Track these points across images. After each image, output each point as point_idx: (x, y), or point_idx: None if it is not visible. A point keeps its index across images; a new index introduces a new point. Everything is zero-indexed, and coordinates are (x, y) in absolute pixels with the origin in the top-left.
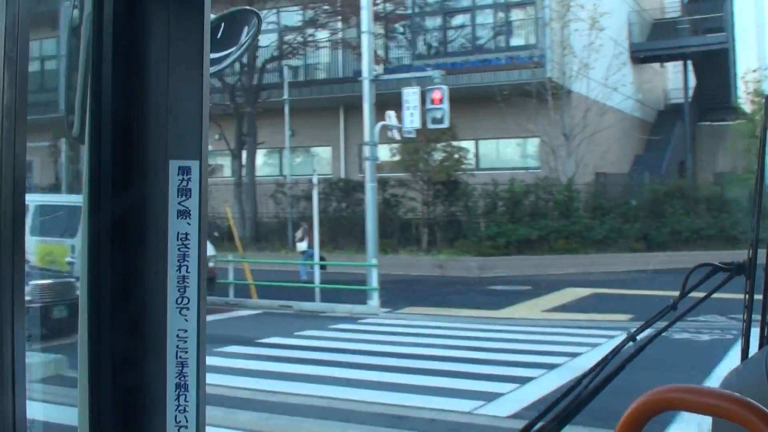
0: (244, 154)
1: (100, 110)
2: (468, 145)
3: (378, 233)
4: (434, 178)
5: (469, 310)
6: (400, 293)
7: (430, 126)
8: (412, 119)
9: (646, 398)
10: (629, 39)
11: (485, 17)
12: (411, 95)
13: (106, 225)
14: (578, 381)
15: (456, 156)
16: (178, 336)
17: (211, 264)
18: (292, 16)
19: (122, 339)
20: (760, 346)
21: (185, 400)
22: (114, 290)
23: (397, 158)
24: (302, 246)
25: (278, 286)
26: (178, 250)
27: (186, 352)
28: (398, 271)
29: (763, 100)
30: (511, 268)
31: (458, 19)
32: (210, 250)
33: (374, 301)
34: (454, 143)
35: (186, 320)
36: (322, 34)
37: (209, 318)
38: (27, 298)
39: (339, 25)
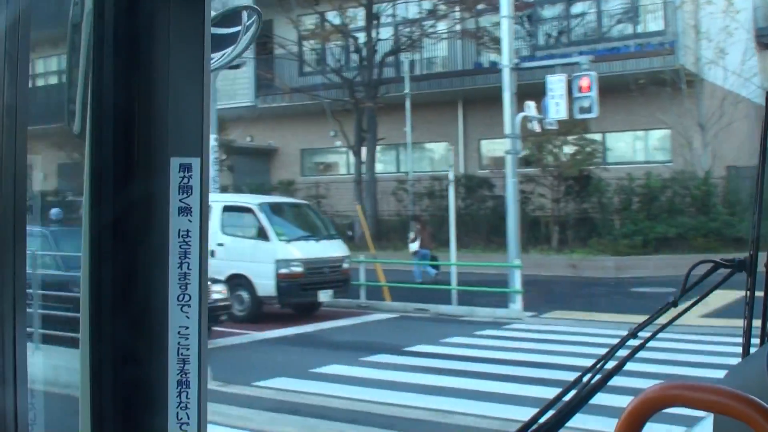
0: (363, 150)
1: (101, 107)
2: (595, 137)
3: (507, 231)
4: (565, 173)
5: (618, 314)
6: (539, 295)
7: (577, 116)
8: (557, 109)
9: (647, 395)
10: (754, 23)
11: (612, 3)
12: (556, 83)
13: (107, 222)
14: (578, 378)
15: (588, 149)
16: (179, 333)
17: (345, 265)
18: (411, 8)
19: (123, 336)
20: (761, 342)
21: (187, 397)
22: (115, 287)
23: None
24: (414, 246)
25: (409, 288)
26: (180, 247)
27: (187, 349)
28: (529, 271)
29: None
30: (649, 269)
31: (583, 6)
32: (343, 250)
33: (517, 304)
34: (587, 136)
35: (187, 317)
36: (440, 26)
37: (346, 322)
38: None
39: (457, 15)
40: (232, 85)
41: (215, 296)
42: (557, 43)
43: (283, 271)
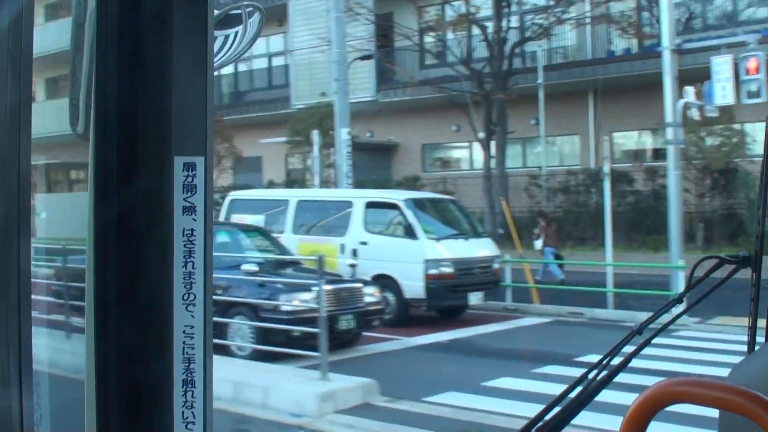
0: (491, 144)
1: (105, 106)
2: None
3: (669, 229)
4: (712, 166)
5: None
6: (695, 298)
7: (744, 101)
8: (723, 93)
9: (652, 392)
10: None
11: None
12: (722, 65)
13: (112, 221)
14: (584, 375)
15: (734, 140)
16: (184, 332)
17: (495, 265)
18: None
19: (129, 335)
20: (767, 338)
21: (192, 396)
22: (120, 286)
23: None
24: (538, 244)
25: (554, 289)
26: (184, 246)
27: (192, 348)
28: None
29: None
30: None
31: None
32: (492, 249)
33: (680, 308)
34: (733, 126)
35: (192, 316)
36: (570, 13)
37: (499, 327)
38: (310, 305)
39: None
40: (352, 80)
41: (367, 299)
42: (688, 26)
43: (433, 271)
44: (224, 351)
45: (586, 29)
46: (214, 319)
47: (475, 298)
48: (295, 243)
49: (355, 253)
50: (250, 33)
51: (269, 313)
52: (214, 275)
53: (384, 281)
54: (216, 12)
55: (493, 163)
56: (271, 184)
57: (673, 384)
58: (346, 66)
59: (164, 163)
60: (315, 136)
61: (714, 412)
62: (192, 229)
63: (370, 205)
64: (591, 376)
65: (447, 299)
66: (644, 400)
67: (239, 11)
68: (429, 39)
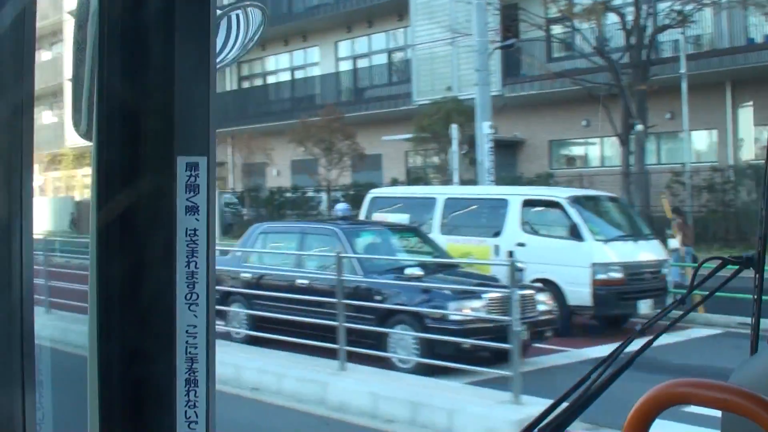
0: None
1: (108, 106)
2: None
3: None
4: None
5: None
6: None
7: None
8: None
9: (654, 393)
10: None
11: None
12: None
13: (115, 221)
14: (586, 376)
15: None
16: (187, 332)
17: (664, 270)
18: None
19: (131, 335)
20: None
21: (195, 396)
22: (123, 286)
23: None
24: (675, 243)
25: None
26: (187, 246)
27: (195, 348)
28: None
29: None
30: None
31: None
32: (661, 253)
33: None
34: None
35: (195, 316)
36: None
37: (669, 339)
38: (477, 314)
39: None
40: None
41: (540, 307)
42: None
43: (601, 276)
44: (385, 363)
45: (722, 16)
46: (374, 328)
47: (644, 306)
48: (444, 244)
49: (511, 255)
50: (252, 31)
51: (435, 322)
52: (370, 280)
53: (546, 287)
54: (218, 12)
55: (630, 159)
56: (394, 182)
57: (675, 385)
58: (487, 56)
59: (167, 163)
60: (454, 130)
61: (717, 412)
62: (195, 229)
63: (528, 203)
64: (594, 376)
65: (616, 307)
66: (646, 401)
67: (241, 10)
68: (557, 30)
